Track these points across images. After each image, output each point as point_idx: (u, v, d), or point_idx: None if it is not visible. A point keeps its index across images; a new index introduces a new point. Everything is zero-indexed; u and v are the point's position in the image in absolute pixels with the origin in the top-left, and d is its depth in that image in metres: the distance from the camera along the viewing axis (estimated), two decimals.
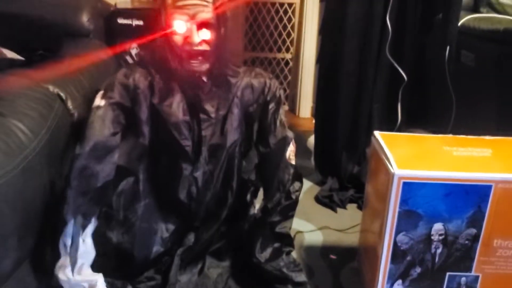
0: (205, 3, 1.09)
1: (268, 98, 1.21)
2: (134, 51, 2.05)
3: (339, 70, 1.61)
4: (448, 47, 1.54)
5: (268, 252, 1.19)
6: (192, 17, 1.08)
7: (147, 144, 1.16)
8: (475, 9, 1.94)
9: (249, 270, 1.21)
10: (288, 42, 2.56)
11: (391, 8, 1.51)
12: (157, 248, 1.17)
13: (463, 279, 1.09)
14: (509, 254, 1.05)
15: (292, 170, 1.20)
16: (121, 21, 2.00)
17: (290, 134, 1.22)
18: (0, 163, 0.89)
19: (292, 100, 2.67)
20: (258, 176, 1.26)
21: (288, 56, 2.60)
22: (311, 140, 1.86)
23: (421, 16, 1.59)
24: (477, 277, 1.08)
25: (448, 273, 1.08)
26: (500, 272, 1.07)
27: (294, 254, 1.30)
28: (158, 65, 1.16)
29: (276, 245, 1.20)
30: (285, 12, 2.49)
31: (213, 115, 1.16)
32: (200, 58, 1.12)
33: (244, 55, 2.63)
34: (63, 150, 1.15)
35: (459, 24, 1.67)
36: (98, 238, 1.10)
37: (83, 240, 1.07)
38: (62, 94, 1.22)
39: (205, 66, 1.14)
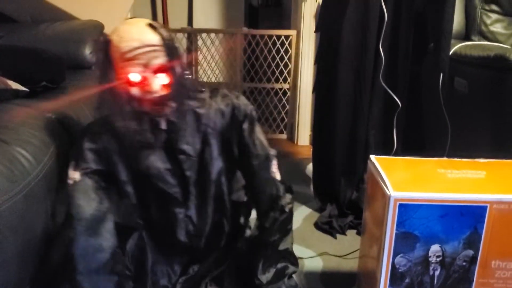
0: (154, 47, 1.00)
1: (240, 118, 1.15)
2: None
3: (334, 98, 1.64)
4: (441, 74, 1.58)
5: (271, 273, 1.18)
6: (146, 65, 1.00)
7: (135, 202, 1.15)
8: (466, 37, 1.99)
9: None
10: (285, 73, 2.62)
11: (383, 37, 1.56)
12: None
13: None
14: (508, 276, 1.06)
15: (281, 185, 1.18)
16: None
17: (272, 152, 1.19)
18: (4, 189, 0.91)
19: (291, 129, 2.70)
20: (248, 196, 1.26)
21: (286, 86, 2.65)
22: (310, 167, 1.88)
23: (414, 45, 1.63)
24: None
25: None
26: None
27: (294, 279, 1.30)
28: (121, 120, 1.08)
29: (280, 266, 1.20)
30: (282, 44, 2.55)
31: (192, 153, 1.14)
32: (162, 102, 1.06)
33: (242, 85, 2.69)
34: (65, 177, 1.16)
35: (452, 51, 1.71)
36: None
37: None
38: (64, 122, 1.25)
39: (170, 108, 1.08)
